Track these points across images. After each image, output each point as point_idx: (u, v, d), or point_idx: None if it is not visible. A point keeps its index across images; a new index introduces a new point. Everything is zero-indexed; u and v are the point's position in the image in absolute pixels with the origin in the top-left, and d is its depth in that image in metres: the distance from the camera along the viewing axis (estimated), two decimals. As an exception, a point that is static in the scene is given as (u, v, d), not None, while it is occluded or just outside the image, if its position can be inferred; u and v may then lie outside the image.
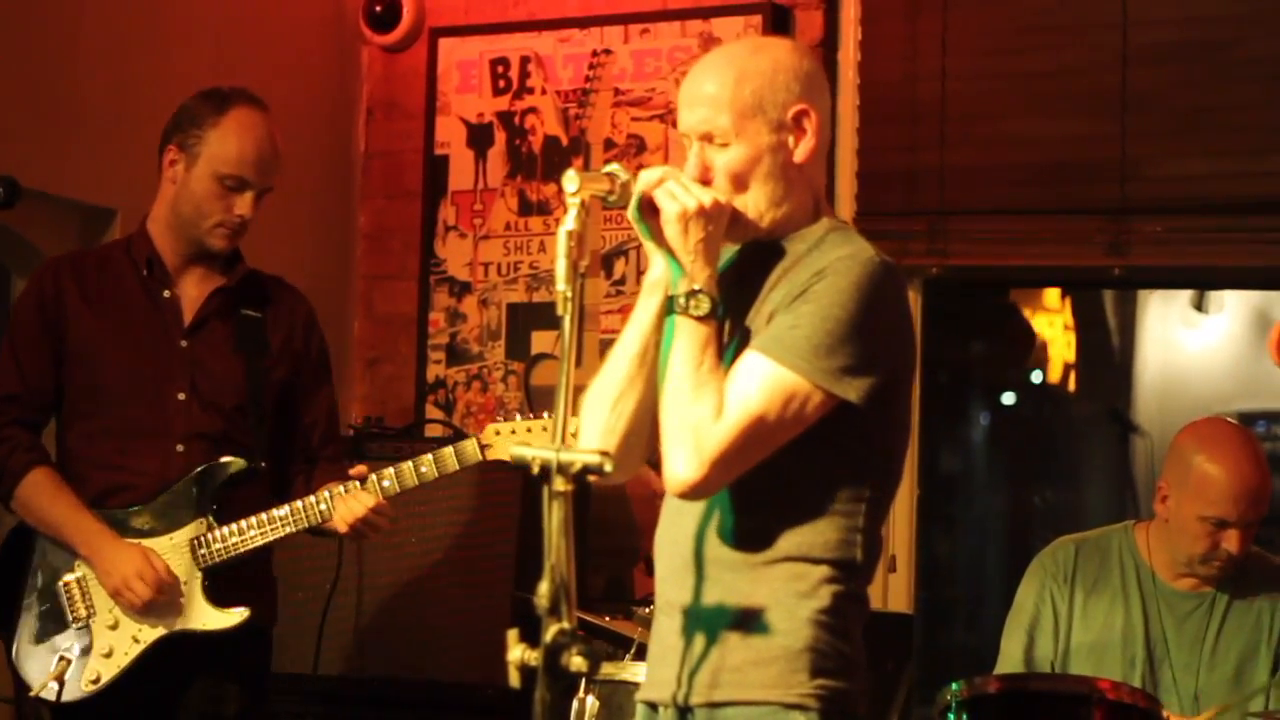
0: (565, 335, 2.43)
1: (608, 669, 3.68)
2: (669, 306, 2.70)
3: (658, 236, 2.72)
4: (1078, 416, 8.62)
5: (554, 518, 2.29)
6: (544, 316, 5.51)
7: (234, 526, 3.76)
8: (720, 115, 2.74)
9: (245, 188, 3.81)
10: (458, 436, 5.40)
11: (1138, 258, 4.99)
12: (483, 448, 3.82)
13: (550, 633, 2.25)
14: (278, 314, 3.97)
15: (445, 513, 4.93)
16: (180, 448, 3.79)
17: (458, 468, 3.84)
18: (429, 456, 3.82)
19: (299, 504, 3.79)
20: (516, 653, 2.27)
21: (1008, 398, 8.46)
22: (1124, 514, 7.81)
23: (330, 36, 5.77)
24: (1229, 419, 4.49)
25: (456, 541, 4.89)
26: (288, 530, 3.78)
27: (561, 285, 2.45)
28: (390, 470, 3.80)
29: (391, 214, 5.81)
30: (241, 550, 3.76)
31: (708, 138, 2.76)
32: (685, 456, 2.62)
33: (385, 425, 5.34)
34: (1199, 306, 7.87)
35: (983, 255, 5.18)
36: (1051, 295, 8.05)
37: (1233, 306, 7.87)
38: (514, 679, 2.28)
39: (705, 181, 2.74)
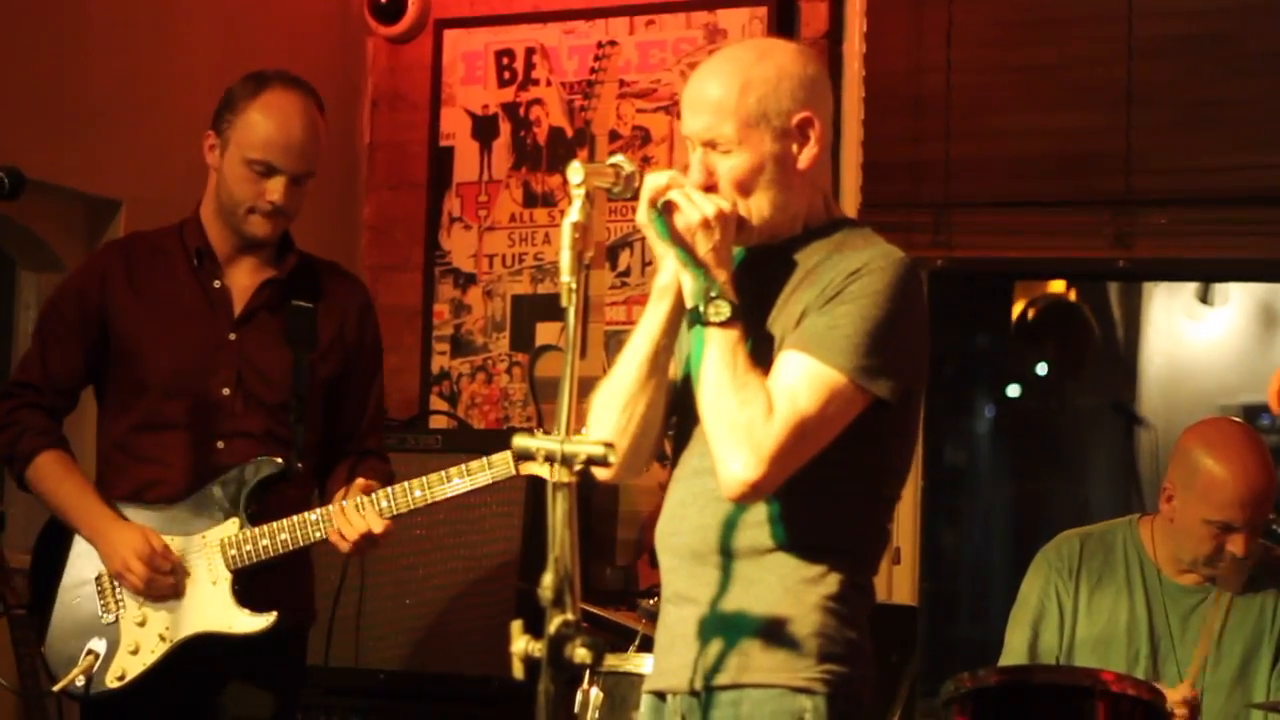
0: (570, 327, 2.43)
1: (611, 660, 3.68)
2: (692, 319, 2.72)
3: (674, 236, 2.73)
4: (1082, 409, 8.62)
5: (558, 509, 2.29)
6: (548, 308, 5.51)
7: (265, 528, 3.63)
8: (725, 123, 2.74)
9: (274, 173, 3.69)
10: (462, 428, 5.42)
11: (1143, 250, 4.99)
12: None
13: (554, 624, 2.25)
14: (330, 305, 3.84)
15: (450, 506, 4.92)
16: (220, 444, 3.70)
17: (492, 482, 3.64)
18: (464, 467, 3.62)
19: (310, 515, 3.64)
20: (520, 644, 2.28)
21: (1012, 390, 8.46)
22: (1129, 507, 7.81)
23: (335, 28, 5.77)
24: (1236, 419, 4.47)
25: (462, 534, 4.89)
26: (320, 535, 3.62)
27: (566, 277, 2.45)
28: (398, 489, 3.63)
29: (396, 205, 5.81)
30: (272, 554, 3.64)
31: (711, 144, 2.76)
32: (745, 458, 2.62)
33: (390, 417, 5.32)
34: (1204, 299, 7.87)
35: (987, 247, 5.18)
36: (1056, 287, 8.04)
37: (1238, 299, 7.87)
38: (518, 671, 2.28)
39: (709, 186, 2.75)
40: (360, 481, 3.65)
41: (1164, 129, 4.97)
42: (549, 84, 5.60)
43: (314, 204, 5.68)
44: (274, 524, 3.64)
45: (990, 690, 3.76)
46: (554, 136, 5.58)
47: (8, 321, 4.94)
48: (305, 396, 3.75)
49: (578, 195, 2.55)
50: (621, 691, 3.65)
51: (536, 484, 4.48)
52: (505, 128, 5.65)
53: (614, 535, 5.30)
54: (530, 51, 5.63)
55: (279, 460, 3.68)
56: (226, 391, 3.72)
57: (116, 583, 3.67)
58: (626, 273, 5.42)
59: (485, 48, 5.69)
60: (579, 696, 3.61)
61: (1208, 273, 6.67)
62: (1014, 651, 4.13)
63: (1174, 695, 3.79)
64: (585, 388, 2.77)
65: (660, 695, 2.82)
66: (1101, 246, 5.03)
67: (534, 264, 5.57)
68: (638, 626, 4.04)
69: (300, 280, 3.83)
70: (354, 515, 3.61)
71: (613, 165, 2.71)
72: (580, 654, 2.25)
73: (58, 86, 4.72)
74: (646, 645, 3.86)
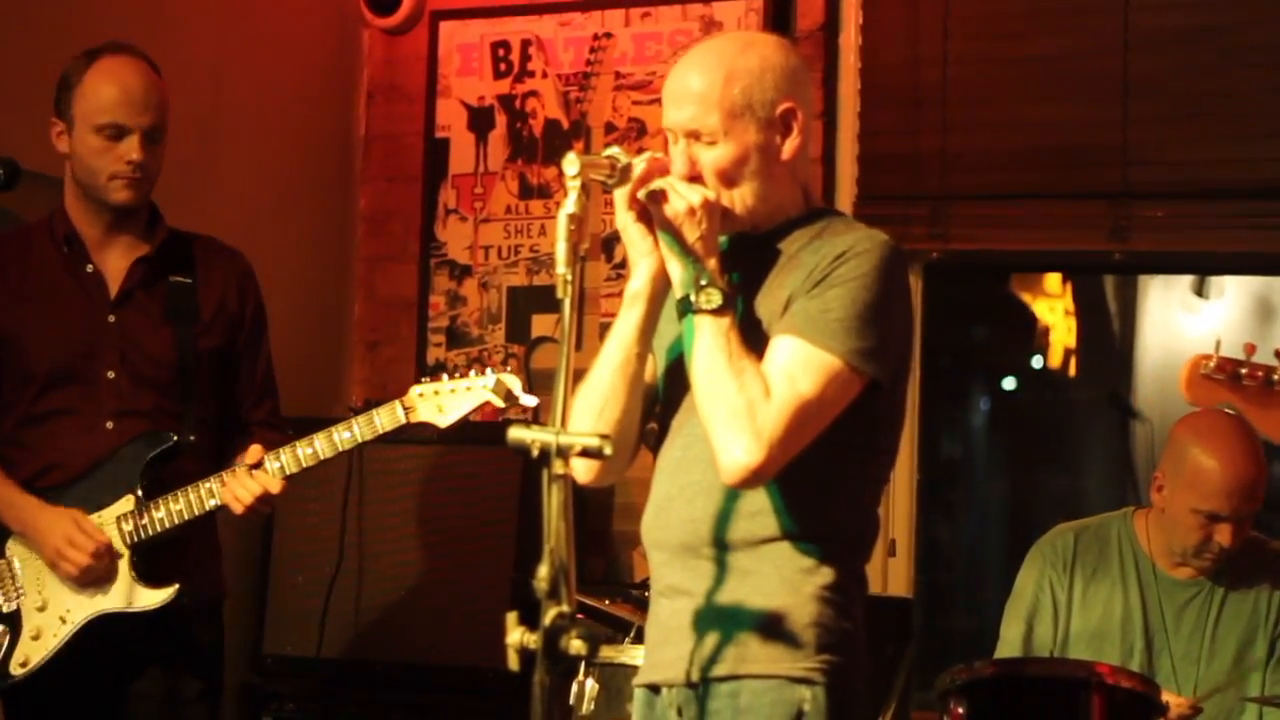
0: (565, 318, 2.43)
1: (607, 652, 3.68)
2: (682, 308, 2.72)
3: (663, 224, 2.73)
4: (1078, 402, 8.62)
5: (553, 501, 2.29)
6: (544, 300, 5.51)
7: (161, 501, 3.63)
8: (709, 114, 2.76)
9: (125, 132, 3.68)
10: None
11: (1139, 243, 4.99)
12: (405, 410, 3.67)
13: (549, 616, 2.25)
14: (209, 278, 3.82)
15: (445, 495, 4.94)
16: (110, 424, 3.69)
17: (381, 431, 3.66)
18: (353, 421, 3.64)
19: (205, 483, 3.63)
20: (515, 636, 2.27)
21: (1008, 383, 8.46)
22: (1123, 500, 7.80)
23: (331, 19, 5.76)
24: (1227, 410, 4.47)
25: (456, 524, 4.90)
26: (214, 503, 3.61)
27: (561, 268, 2.46)
28: (285, 450, 3.64)
29: (392, 197, 5.81)
30: (168, 525, 3.63)
31: (695, 135, 2.78)
32: (746, 442, 2.62)
33: (386, 408, 5.33)
34: (1200, 292, 7.87)
35: (984, 240, 5.18)
36: (1052, 280, 8.05)
37: (1233, 292, 7.87)
38: (513, 662, 2.28)
39: (693, 177, 2.76)
40: (256, 446, 3.65)
41: (1161, 122, 4.97)
42: (545, 76, 5.59)
43: (310, 195, 5.71)
44: (169, 496, 3.63)
45: (985, 682, 3.76)
46: (550, 128, 5.58)
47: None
48: (191, 371, 3.74)
49: (573, 187, 2.55)
50: (617, 683, 3.65)
51: (532, 474, 4.48)
52: (501, 119, 5.64)
53: (610, 526, 5.30)
54: (526, 43, 5.62)
55: (172, 435, 3.68)
56: (112, 375, 3.71)
57: (16, 570, 3.66)
58: (622, 265, 5.42)
59: (481, 39, 5.69)
60: (574, 688, 3.59)
61: (1204, 266, 6.67)
62: (1009, 644, 4.13)
63: (1174, 705, 3.79)
64: (581, 380, 2.78)
65: (654, 688, 2.82)
66: (1098, 239, 5.03)
67: (529, 256, 5.57)
68: (633, 618, 4.04)
69: (175, 256, 3.81)
70: (246, 478, 3.60)
71: (608, 157, 2.73)
72: (575, 645, 2.25)
73: (53, 77, 4.69)
74: (642, 637, 3.87)
